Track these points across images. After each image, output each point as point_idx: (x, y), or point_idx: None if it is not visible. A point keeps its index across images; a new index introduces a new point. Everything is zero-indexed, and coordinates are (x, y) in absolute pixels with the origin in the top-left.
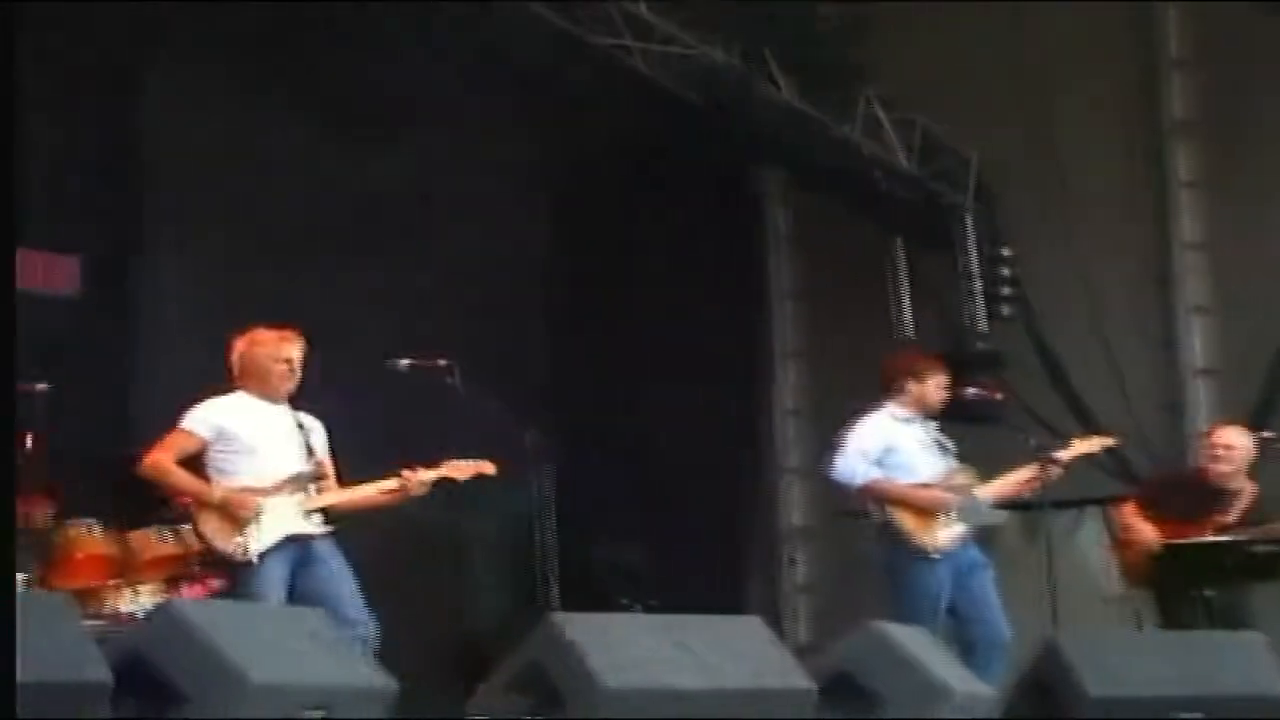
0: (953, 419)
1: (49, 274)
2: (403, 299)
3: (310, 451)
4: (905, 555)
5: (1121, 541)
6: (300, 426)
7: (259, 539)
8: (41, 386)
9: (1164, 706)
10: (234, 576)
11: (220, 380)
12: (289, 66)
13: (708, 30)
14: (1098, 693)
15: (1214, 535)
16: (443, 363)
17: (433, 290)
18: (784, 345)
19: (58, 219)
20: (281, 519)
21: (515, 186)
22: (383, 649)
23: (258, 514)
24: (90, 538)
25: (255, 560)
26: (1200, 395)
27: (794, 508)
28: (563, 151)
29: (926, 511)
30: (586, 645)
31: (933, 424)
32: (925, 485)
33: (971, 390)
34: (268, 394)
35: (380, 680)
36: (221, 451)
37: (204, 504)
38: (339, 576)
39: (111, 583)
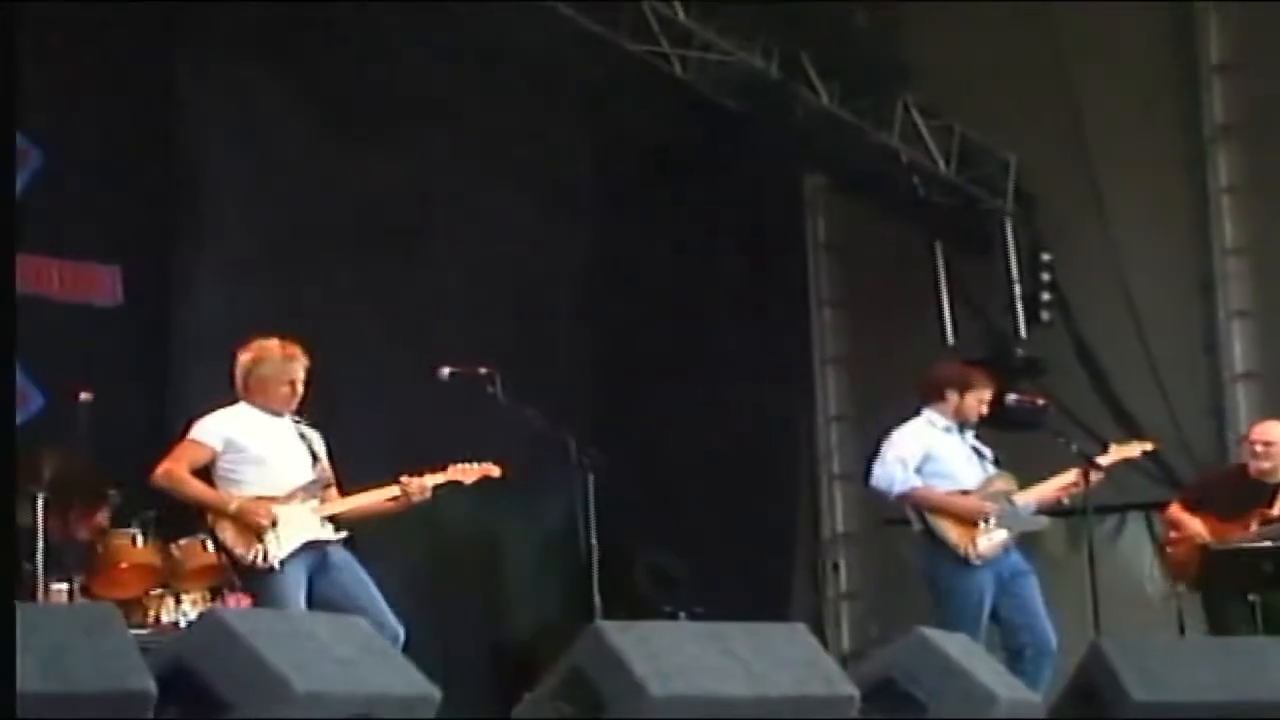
0: (994, 425)
1: (90, 285)
2: (443, 307)
3: (315, 460)
4: (946, 563)
5: (1170, 540)
6: (302, 437)
7: (279, 546)
8: (86, 396)
9: (1208, 711)
10: (255, 584)
11: None
12: (325, 73)
13: (745, 36)
14: (1141, 697)
15: (1260, 528)
16: (484, 371)
17: (474, 297)
18: (824, 351)
19: (97, 229)
20: (299, 526)
21: (554, 193)
22: (426, 656)
23: (275, 522)
24: (134, 548)
25: (277, 567)
26: (1241, 399)
27: (837, 514)
28: (603, 158)
29: (966, 519)
30: (631, 653)
31: (971, 432)
32: (965, 492)
33: (1012, 396)
34: (271, 408)
35: (424, 688)
36: (230, 462)
37: (221, 514)
38: (359, 582)
39: (155, 592)
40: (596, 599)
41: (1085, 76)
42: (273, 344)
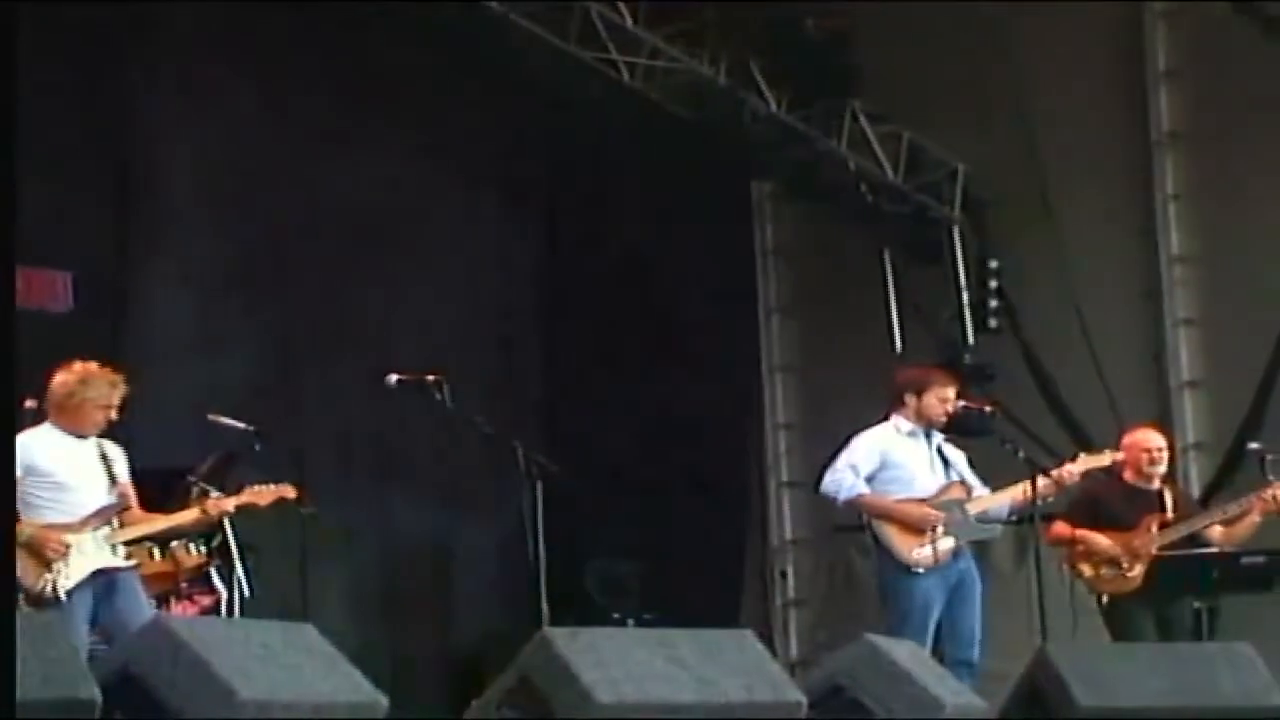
0: (943, 431)
1: (41, 291)
2: (396, 315)
3: (114, 482)
4: (891, 569)
5: (1078, 555)
6: (104, 457)
7: (67, 576)
8: (31, 404)
9: (1154, 716)
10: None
11: (215, 396)
12: (281, 78)
13: (694, 43)
14: (1088, 703)
15: (1161, 532)
16: (431, 378)
17: (429, 303)
18: (772, 359)
19: (51, 236)
20: (88, 555)
21: (507, 201)
22: (375, 663)
23: (65, 552)
24: None
25: (63, 598)
26: (1188, 407)
27: (785, 521)
28: (555, 166)
29: (913, 526)
30: (579, 660)
31: (938, 436)
32: (915, 500)
33: (960, 403)
34: (78, 431)
35: (371, 695)
36: (31, 486)
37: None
38: (138, 611)
39: None
40: (544, 605)
41: (1033, 84)
42: (95, 367)
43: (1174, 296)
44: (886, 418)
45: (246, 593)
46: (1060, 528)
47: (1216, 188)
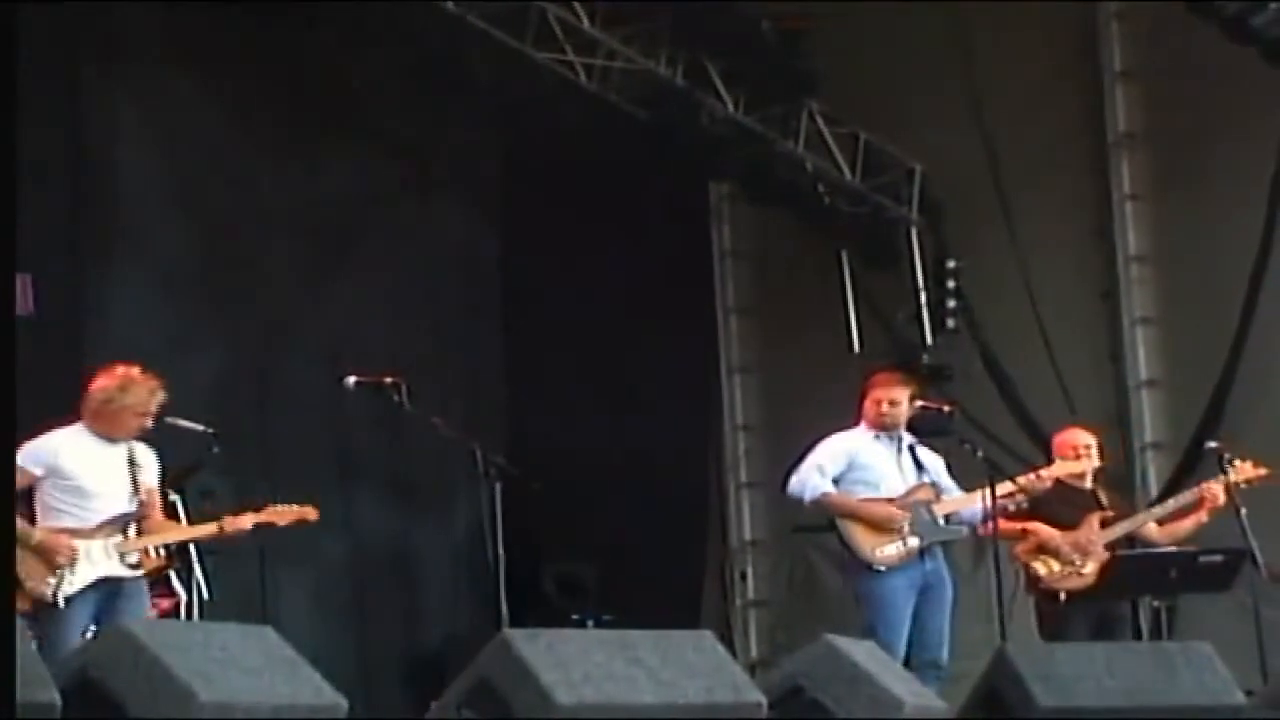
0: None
1: None
2: (356, 316)
3: (137, 489)
4: (856, 568)
5: (1029, 551)
6: (132, 463)
7: (70, 582)
8: None
9: (1114, 716)
10: (39, 617)
11: (175, 398)
12: (237, 80)
13: (650, 44)
14: (1048, 703)
15: (1102, 531)
16: (389, 380)
17: (388, 305)
18: (731, 360)
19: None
20: (95, 562)
21: (464, 202)
22: (337, 665)
23: (73, 558)
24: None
25: (61, 603)
26: (1145, 406)
27: (745, 522)
28: (512, 167)
29: (878, 526)
30: (538, 662)
31: (906, 439)
32: (881, 500)
33: (919, 403)
34: (111, 436)
35: (331, 697)
36: (52, 488)
37: (23, 545)
38: (140, 614)
39: None
40: (504, 607)
41: (989, 85)
42: (136, 373)
43: (1131, 296)
44: (857, 421)
45: (206, 595)
46: (1010, 521)
47: (1173, 188)
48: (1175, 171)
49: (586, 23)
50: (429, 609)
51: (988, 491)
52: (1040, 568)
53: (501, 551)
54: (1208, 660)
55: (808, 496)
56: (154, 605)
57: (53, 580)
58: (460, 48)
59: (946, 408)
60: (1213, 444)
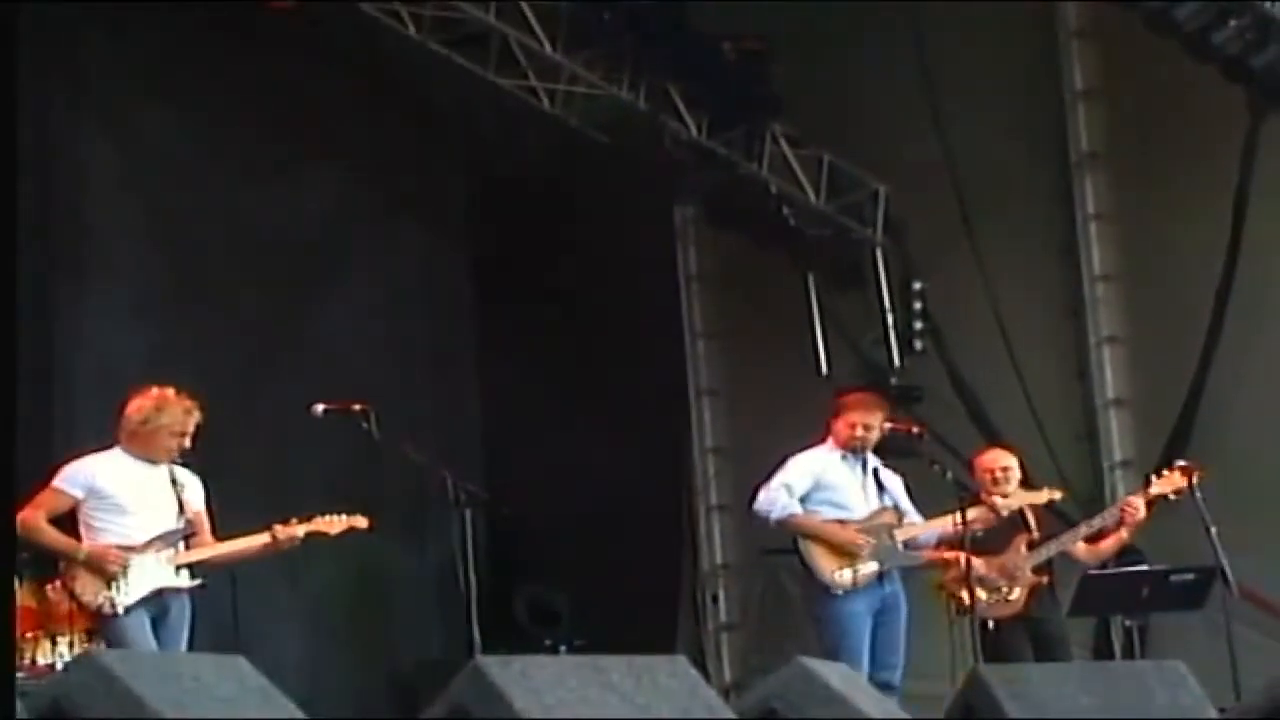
0: (872, 453)
1: None
2: (330, 342)
3: (182, 509)
4: (815, 590)
5: (952, 581)
6: (174, 483)
7: (126, 593)
8: None
9: None
10: (103, 629)
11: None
12: (207, 108)
13: (613, 69)
14: None
15: (1029, 553)
16: (358, 407)
17: (360, 332)
18: (699, 383)
19: None
20: (148, 574)
21: (430, 228)
22: (310, 692)
23: (125, 569)
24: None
25: (121, 612)
26: (1114, 425)
27: (716, 545)
28: (477, 192)
29: (840, 549)
30: (512, 687)
31: (871, 460)
32: (844, 523)
33: (888, 425)
34: (149, 457)
35: None
36: (94, 509)
37: (72, 560)
38: (178, 634)
39: (30, 635)
40: (476, 633)
41: (953, 105)
42: (171, 394)
43: (1097, 314)
44: (824, 439)
45: None
46: (935, 550)
47: (1137, 206)
48: (1139, 190)
49: (548, 48)
50: (401, 635)
51: (950, 518)
52: (965, 595)
53: (474, 577)
54: (1181, 678)
55: (775, 515)
56: None
57: (108, 592)
58: (424, 74)
59: (915, 429)
60: (1182, 462)
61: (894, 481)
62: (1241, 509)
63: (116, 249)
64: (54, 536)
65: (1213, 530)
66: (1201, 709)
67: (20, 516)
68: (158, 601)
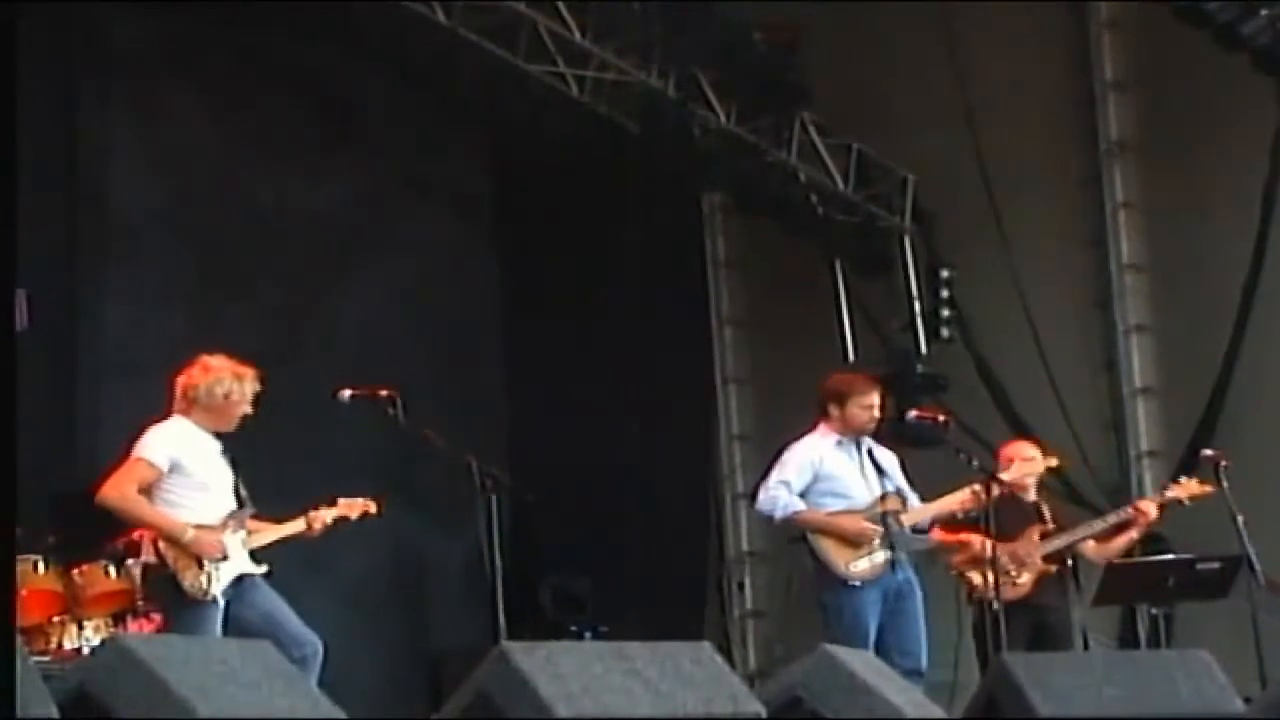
0: (896, 441)
1: None
2: (355, 327)
3: (239, 487)
4: (829, 582)
5: (963, 562)
6: (233, 461)
7: (218, 579)
8: None
9: None
10: (184, 613)
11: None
12: (233, 93)
13: (642, 56)
14: (1047, 713)
15: (1041, 542)
16: (384, 393)
17: (385, 318)
18: (726, 370)
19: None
20: (234, 559)
21: (458, 215)
22: (334, 678)
23: (225, 555)
24: (35, 574)
25: (214, 600)
26: (1140, 414)
27: (741, 533)
28: (505, 180)
29: (849, 539)
30: (537, 674)
31: (866, 443)
32: (850, 513)
33: (913, 413)
34: (220, 429)
35: (330, 711)
36: (173, 484)
37: (174, 541)
38: (273, 601)
39: (57, 619)
40: (501, 620)
41: (981, 94)
42: (241, 365)
43: (1125, 304)
44: (814, 427)
45: None
46: (943, 532)
47: (1166, 196)
48: (1168, 180)
49: (578, 35)
50: (426, 622)
51: (952, 498)
52: (976, 578)
53: (499, 564)
54: (1206, 668)
55: (778, 515)
56: (151, 620)
57: (203, 578)
58: (453, 61)
59: (941, 417)
60: (1209, 451)
61: (890, 461)
62: (1268, 499)
63: (142, 234)
64: (157, 514)
65: (1239, 519)
66: (1227, 699)
67: (114, 489)
68: (236, 588)
